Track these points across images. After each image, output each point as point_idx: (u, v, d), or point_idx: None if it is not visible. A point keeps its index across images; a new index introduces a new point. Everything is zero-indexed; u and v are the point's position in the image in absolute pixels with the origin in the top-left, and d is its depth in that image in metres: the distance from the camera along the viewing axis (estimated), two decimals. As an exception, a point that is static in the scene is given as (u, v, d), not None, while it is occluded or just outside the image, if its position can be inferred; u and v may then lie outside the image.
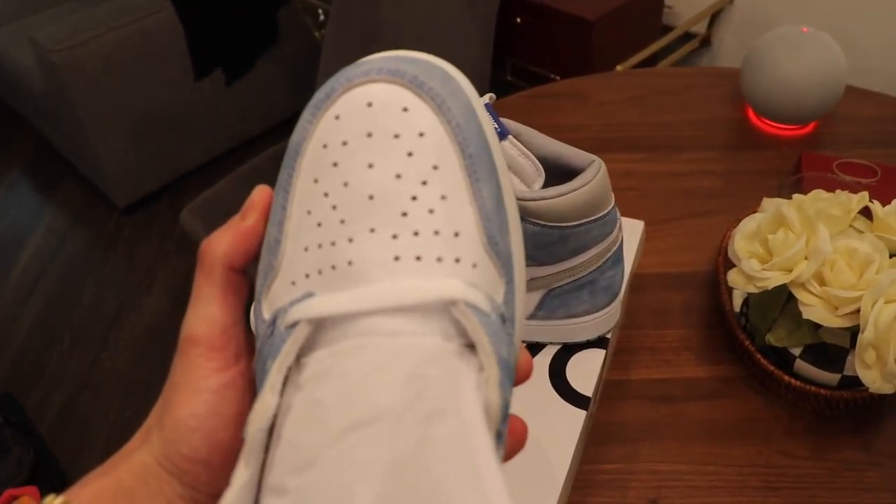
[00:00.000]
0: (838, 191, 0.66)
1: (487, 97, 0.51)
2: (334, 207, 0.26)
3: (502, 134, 0.49)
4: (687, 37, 2.03)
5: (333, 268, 0.25)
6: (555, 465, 0.51)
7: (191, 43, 1.95)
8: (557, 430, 0.53)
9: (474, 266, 0.26)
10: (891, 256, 0.60)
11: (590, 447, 0.63)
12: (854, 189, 0.73)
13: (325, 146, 0.26)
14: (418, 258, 0.25)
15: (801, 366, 0.63)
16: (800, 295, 0.59)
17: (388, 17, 1.49)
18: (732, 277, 0.63)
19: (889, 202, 0.64)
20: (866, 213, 0.65)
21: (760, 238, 0.63)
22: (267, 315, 0.27)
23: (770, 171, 0.89)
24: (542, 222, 0.48)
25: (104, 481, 0.29)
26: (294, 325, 0.25)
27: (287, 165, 0.27)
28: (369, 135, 0.26)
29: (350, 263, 0.25)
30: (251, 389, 0.29)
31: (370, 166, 0.25)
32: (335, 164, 0.26)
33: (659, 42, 1.88)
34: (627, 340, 0.71)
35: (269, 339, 0.26)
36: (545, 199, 0.48)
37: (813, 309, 0.59)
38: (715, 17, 2.02)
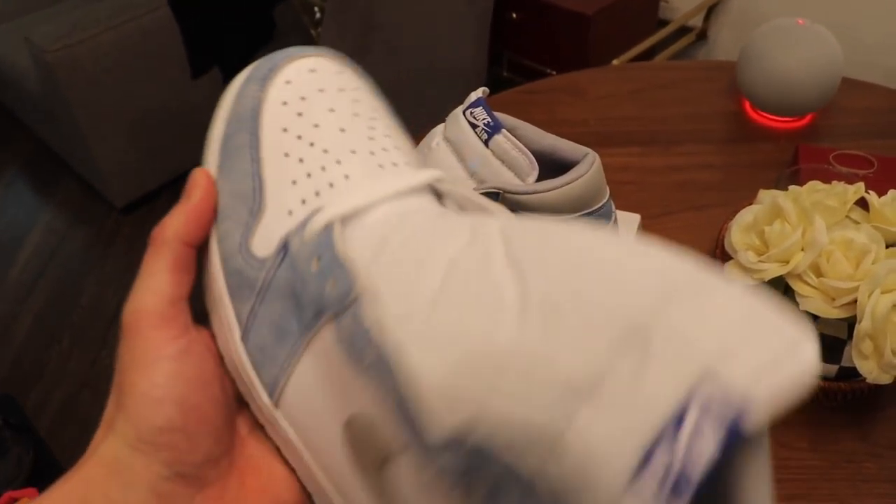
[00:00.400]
0: (834, 182, 0.66)
1: (481, 91, 0.51)
2: (312, 144, 0.30)
3: (496, 128, 0.49)
4: (683, 31, 2.03)
5: (331, 185, 0.29)
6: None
7: (187, 41, 1.95)
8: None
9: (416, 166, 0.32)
10: (887, 247, 0.60)
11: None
12: (851, 180, 0.72)
13: (284, 103, 0.31)
14: (394, 164, 0.30)
15: (799, 357, 0.63)
16: (797, 286, 0.59)
17: (384, 14, 1.49)
18: (729, 269, 0.63)
19: (885, 193, 0.64)
20: (863, 204, 0.65)
21: (757, 230, 0.63)
22: (265, 250, 0.29)
23: (767, 163, 0.89)
24: (536, 215, 0.48)
25: (68, 485, 0.28)
26: (327, 228, 0.28)
27: (243, 128, 0.31)
28: (321, 90, 0.31)
29: (347, 177, 0.29)
30: (209, 355, 0.30)
31: (331, 110, 0.31)
32: (300, 114, 0.31)
33: (655, 36, 1.88)
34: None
35: (287, 260, 0.28)
36: (539, 193, 0.48)
37: (810, 300, 0.59)
38: (711, 10, 2.02)
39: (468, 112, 0.50)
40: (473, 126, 0.50)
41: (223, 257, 0.30)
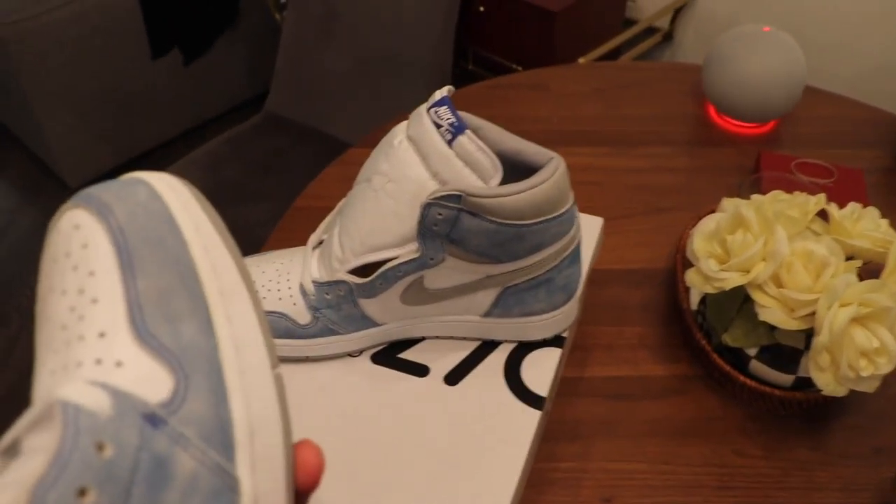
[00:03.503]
0: (796, 192, 0.66)
1: (446, 90, 0.50)
2: (40, 331, 0.27)
3: (459, 128, 0.48)
4: (650, 31, 2.04)
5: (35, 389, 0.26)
6: (508, 464, 0.50)
7: (148, 21, 1.90)
8: (511, 429, 0.52)
9: (118, 364, 0.25)
10: (847, 259, 0.60)
11: (543, 445, 0.63)
12: (812, 190, 0.73)
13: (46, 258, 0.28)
14: (65, 368, 0.25)
15: (757, 366, 0.63)
16: (756, 296, 0.59)
17: (349, 0, 1.47)
18: (690, 277, 0.63)
19: (845, 203, 0.65)
20: (823, 215, 0.65)
21: (719, 238, 0.62)
22: None
23: (730, 168, 0.89)
24: (499, 220, 0.47)
25: None
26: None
27: None
28: (55, 260, 0.28)
29: (35, 380, 0.26)
30: None
31: (51, 290, 0.27)
32: (42, 296, 0.28)
33: (622, 35, 1.88)
34: (584, 337, 0.70)
35: None
36: (502, 197, 0.46)
37: (769, 311, 0.59)
38: (678, 12, 2.03)
39: (432, 111, 0.49)
40: (437, 125, 0.48)
41: None
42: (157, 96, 2.07)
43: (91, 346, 0.26)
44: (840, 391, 0.57)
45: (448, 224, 0.47)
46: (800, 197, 0.64)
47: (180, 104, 2.14)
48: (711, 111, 0.97)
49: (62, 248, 0.28)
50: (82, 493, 0.22)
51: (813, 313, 0.58)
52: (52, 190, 2.07)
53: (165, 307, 0.27)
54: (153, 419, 0.24)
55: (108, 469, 0.23)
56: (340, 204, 0.56)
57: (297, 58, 1.54)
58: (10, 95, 1.92)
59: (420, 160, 0.49)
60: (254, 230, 1.14)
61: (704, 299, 0.68)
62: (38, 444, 0.23)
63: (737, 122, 0.95)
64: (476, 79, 1.03)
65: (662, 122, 0.95)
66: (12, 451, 0.23)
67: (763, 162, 0.85)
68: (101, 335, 0.26)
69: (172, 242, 0.28)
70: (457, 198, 0.46)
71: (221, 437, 0.26)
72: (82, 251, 0.27)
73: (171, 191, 0.29)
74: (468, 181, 0.48)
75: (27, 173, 2.13)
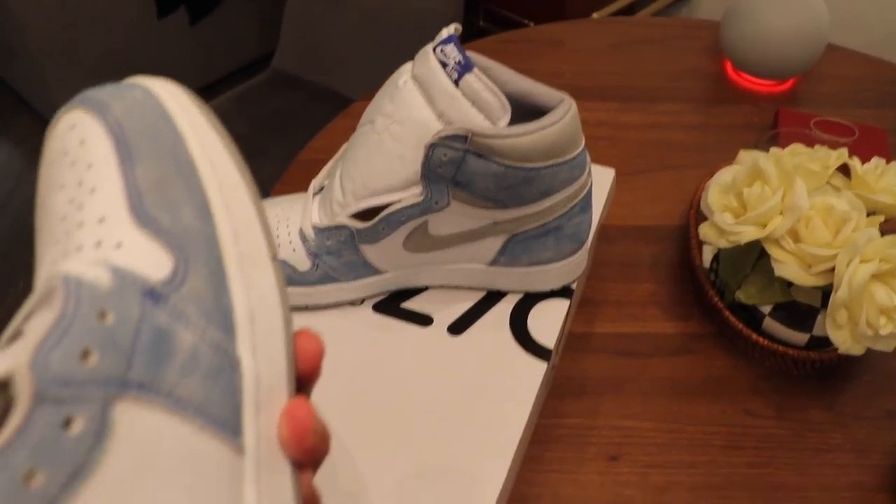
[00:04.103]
0: (817, 146, 0.63)
1: (453, 27, 0.48)
2: (40, 233, 0.28)
3: (466, 67, 0.46)
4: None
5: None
6: (512, 417, 0.49)
7: (154, -22, 1.88)
8: (516, 381, 0.50)
9: (118, 245, 0.26)
10: (868, 215, 0.58)
11: (549, 401, 0.61)
12: (831, 147, 0.70)
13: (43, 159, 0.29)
14: (65, 255, 0.26)
15: (771, 324, 0.61)
16: (773, 251, 0.57)
17: (360, -45, 1.44)
18: (704, 231, 0.61)
19: (867, 161, 0.62)
20: (844, 171, 0.63)
21: (735, 191, 0.60)
22: None
23: (746, 126, 0.87)
24: (507, 162, 0.45)
25: None
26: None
27: None
28: (51, 162, 0.28)
29: (37, 280, 0.26)
30: None
31: (48, 188, 0.28)
32: (41, 201, 0.28)
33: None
34: (593, 293, 0.68)
35: None
36: (510, 137, 0.44)
37: (786, 266, 0.57)
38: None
39: (438, 49, 0.47)
40: (444, 64, 0.46)
41: None
42: (164, 56, 2.04)
43: (91, 231, 0.26)
44: (857, 349, 0.55)
45: (453, 166, 0.46)
46: (820, 150, 0.62)
47: (187, 64, 2.12)
48: (729, 68, 0.95)
49: (59, 147, 0.28)
50: (85, 354, 0.22)
51: (831, 270, 0.56)
52: (59, 149, 2.06)
53: (164, 194, 0.27)
54: (153, 295, 0.25)
55: (110, 335, 0.23)
56: (343, 148, 0.54)
57: (304, 13, 1.51)
58: (18, 57, 1.90)
59: (425, 101, 0.47)
60: (262, 186, 1.12)
61: (717, 256, 0.66)
62: (38, 323, 0.23)
63: (755, 80, 0.92)
64: (487, 35, 1.00)
65: (678, 78, 0.93)
66: (14, 339, 0.23)
67: (781, 119, 0.83)
68: (101, 220, 0.26)
69: (170, 137, 0.28)
70: (463, 138, 0.44)
71: (221, 318, 0.26)
72: (80, 147, 0.27)
73: (166, 92, 0.29)
74: (475, 122, 0.46)
75: (33, 135, 2.12)
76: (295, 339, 0.29)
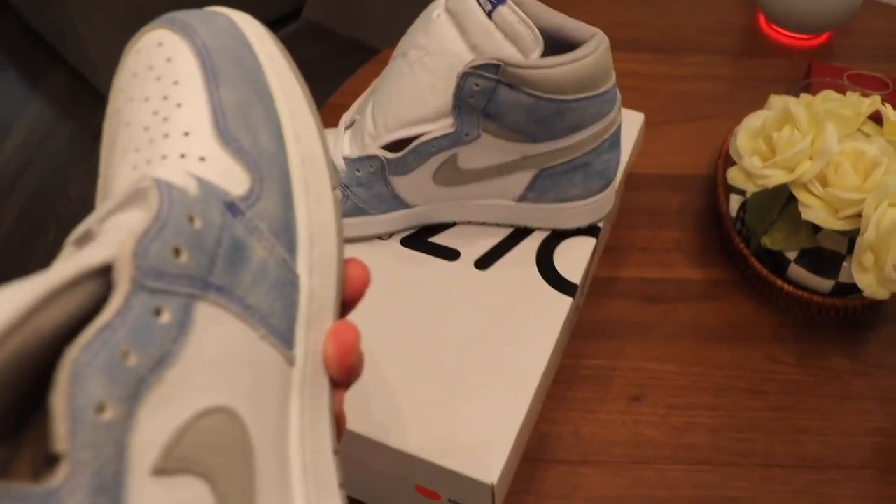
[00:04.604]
0: (849, 93, 0.63)
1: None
2: (114, 141, 0.29)
3: (499, 0, 0.46)
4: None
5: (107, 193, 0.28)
6: (537, 350, 0.49)
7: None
8: (541, 316, 0.51)
9: (201, 159, 0.27)
10: (898, 161, 0.58)
11: (573, 342, 0.62)
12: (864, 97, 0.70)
13: (134, 75, 0.29)
14: (149, 161, 0.27)
15: (796, 270, 0.62)
16: (801, 195, 0.57)
17: None
18: (732, 175, 0.61)
19: (900, 110, 0.62)
20: (877, 119, 0.62)
21: (765, 135, 0.60)
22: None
23: (778, 78, 0.86)
24: (539, 93, 0.46)
25: None
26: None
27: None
28: (135, 75, 0.29)
29: (108, 187, 0.28)
30: None
31: (130, 99, 0.29)
32: (122, 90, 0.30)
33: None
34: (619, 239, 0.69)
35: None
36: (543, 68, 0.45)
37: (813, 210, 0.57)
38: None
39: (472, -19, 0.47)
40: (477, -4, 0.47)
41: None
42: (195, 5, 2.04)
43: (176, 143, 0.27)
44: (882, 293, 0.55)
45: (485, 96, 0.46)
46: (853, 97, 0.61)
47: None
48: (762, 21, 0.93)
49: (144, 63, 0.29)
50: (177, 252, 0.24)
51: (858, 215, 0.55)
52: (89, 105, 2.07)
53: (245, 117, 0.28)
54: (233, 207, 0.26)
55: (198, 237, 0.25)
56: (374, 83, 0.55)
57: (335, -32, 1.51)
58: (51, 8, 1.91)
59: (458, 33, 0.47)
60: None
61: (744, 205, 0.66)
62: (122, 223, 0.24)
63: (788, 33, 0.91)
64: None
65: (709, 31, 0.92)
66: (86, 239, 0.25)
67: (814, 72, 0.82)
68: (186, 133, 0.27)
69: (251, 63, 0.29)
70: (495, 68, 0.45)
71: (287, 237, 0.28)
72: (167, 64, 0.29)
73: (246, 23, 0.30)
74: (508, 53, 0.46)
75: (64, 87, 2.14)
76: (345, 266, 0.31)
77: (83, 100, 2.09)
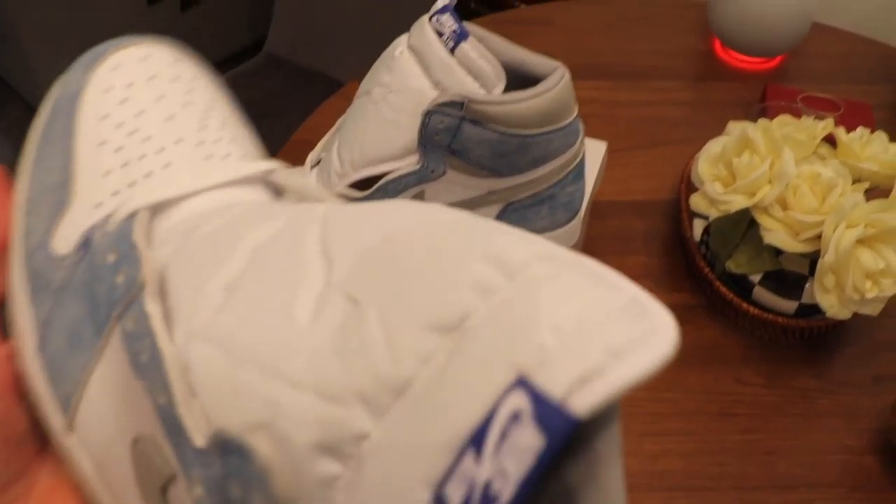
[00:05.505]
0: (804, 117, 0.64)
1: (448, -3, 0.48)
2: (133, 132, 0.27)
3: (462, 35, 0.47)
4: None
5: (149, 175, 0.26)
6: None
7: (143, -36, 1.87)
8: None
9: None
10: (854, 182, 0.59)
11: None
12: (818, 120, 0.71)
13: (107, 90, 0.28)
14: (227, 155, 0.28)
15: (760, 293, 0.63)
16: (762, 219, 0.58)
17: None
18: (695, 201, 0.62)
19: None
20: (831, 142, 0.64)
21: (725, 161, 0.61)
22: (65, 247, 0.25)
23: (735, 102, 0.88)
24: (502, 129, 0.46)
25: None
26: (131, 217, 0.25)
27: (59, 116, 0.28)
28: (153, 77, 0.29)
29: (167, 166, 0.27)
30: (4, 370, 0.26)
31: (161, 98, 0.28)
32: (124, 101, 0.28)
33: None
34: (586, 266, 0.69)
35: (87, 256, 0.24)
36: (506, 104, 0.45)
37: (774, 234, 0.58)
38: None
39: (434, 19, 0.48)
40: (439, 34, 0.47)
41: (25, 256, 0.26)
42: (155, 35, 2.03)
43: (241, 146, 0.29)
44: (844, 313, 0.56)
45: (450, 133, 0.46)
46: (808, 121, 0.63)
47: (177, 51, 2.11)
48: (717, 46, 0.96)
49: (165, 71, 0.30)
50: None
51: (818, 236, 0.57)
52: (48, 137, 2.05)
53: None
54: None
55: None
56: (339, 121, 0.55)
57: (295, -1, 1.52)
58: (6, 43, 1.89)
59: (421, 70, 0.48)
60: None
61: (708, 229, 0.67)
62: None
63: (743, 57, 0.93)
64: (478, 17, 1.01)
65: (668, 56, 0.94)
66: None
67: (769, 94, 0.84)
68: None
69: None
70: (459, 105, 0.45)
71: None
72: (194, 82, 0.30)
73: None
74: (471, 90, 0.46)
75: (21, 123, 2.11)
76: None
77: (41, 135, 2.06)
